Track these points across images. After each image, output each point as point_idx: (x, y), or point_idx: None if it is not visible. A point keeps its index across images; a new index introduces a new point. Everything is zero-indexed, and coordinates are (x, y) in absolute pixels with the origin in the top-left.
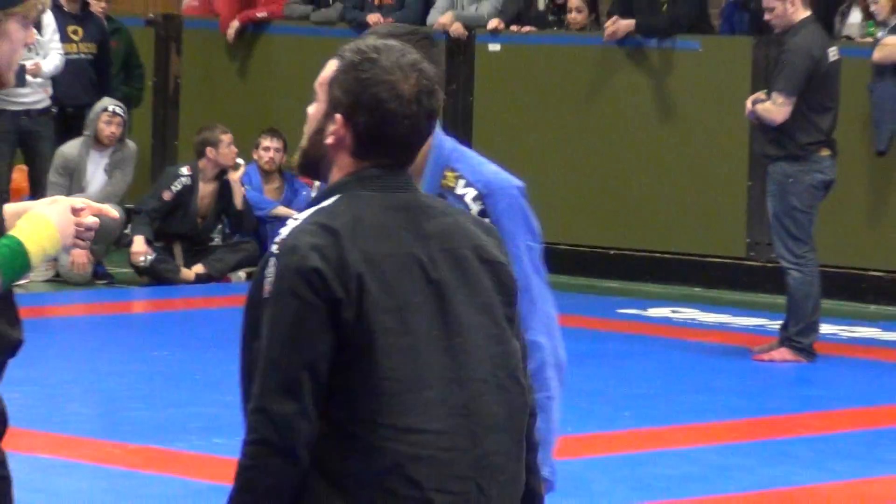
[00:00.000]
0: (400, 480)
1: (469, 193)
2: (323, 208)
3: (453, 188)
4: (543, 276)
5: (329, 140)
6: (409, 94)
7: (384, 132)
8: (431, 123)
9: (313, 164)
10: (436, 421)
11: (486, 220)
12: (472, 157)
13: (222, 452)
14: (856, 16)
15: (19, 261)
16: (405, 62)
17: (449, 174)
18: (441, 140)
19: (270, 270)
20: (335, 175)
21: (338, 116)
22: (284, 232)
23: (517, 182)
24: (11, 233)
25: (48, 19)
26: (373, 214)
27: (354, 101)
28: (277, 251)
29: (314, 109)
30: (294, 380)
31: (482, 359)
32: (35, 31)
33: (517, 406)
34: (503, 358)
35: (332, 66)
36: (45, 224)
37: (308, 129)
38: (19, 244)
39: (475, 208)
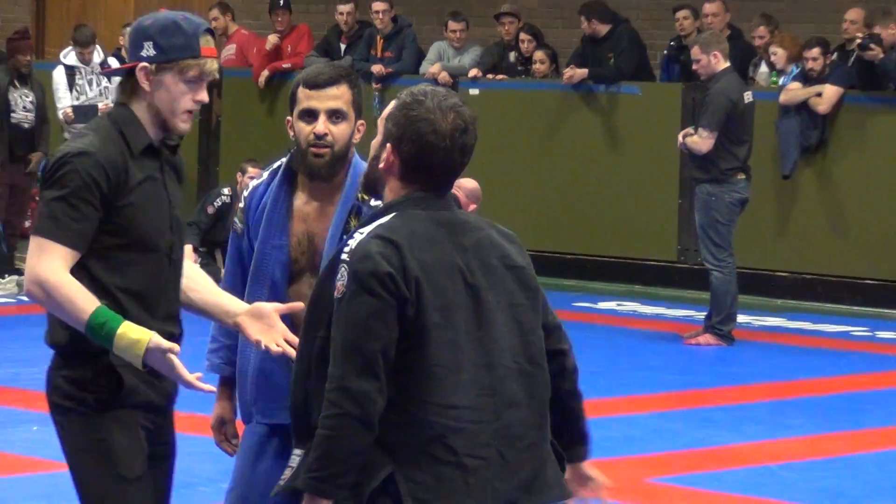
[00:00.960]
0: (441, 448)
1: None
2: (383, 224)
3: (368, 201)
4: None
5: (381, 165)
6: (445, 130)
7: (423, 160)
8: (465, 156)
9: (372, 183)
10: (467, 399)
11: (511, 232)
12: None
13: None
14: (765, 67)
15: (101, 339)
16: (445, 105)
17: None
18: (357, 162)
19: (343, 274)
20: (388, 195)
21: (388, 145)
22: (353, 243)
23: None
24: (126, 324)
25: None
26: (423, 229)
27: (402, 134)
28: (348, 259)
29: (375, 140)
30: (373, 362)
31: (504, 348)
32: (106, 79)
33: (538, 385)
34: (522, 347)
35: (391, 106)
36: (141, 345)
37: (369, 156)
38: (113, 334)
39: None
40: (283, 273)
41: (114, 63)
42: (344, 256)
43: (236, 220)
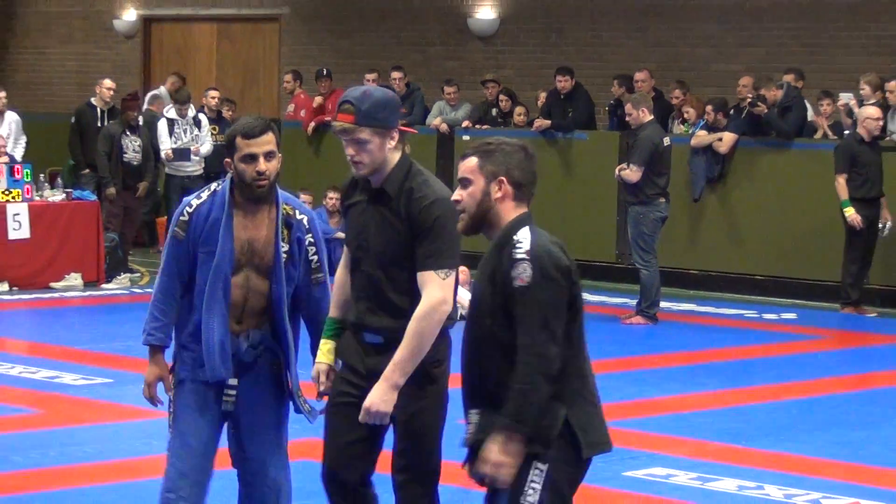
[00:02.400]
0: (588, 393)
1: (304, 219)
2: (536, 233)
3: (293, 215)
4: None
5: (498, 195)
6: (530, 154)
7: (528, 178)
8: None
9: (479, 220)
10: (585, 359)
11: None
12: (295, 199)
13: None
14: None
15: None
16: (513, 140)
17: (286, 207)
18: (279, 191)
19: (525, 268)
20: (501, 216)
21: (501, 178)
22: (527, 245)
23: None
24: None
25: (205, 121)
26: (549, 236)
27: (508, 166)
28: (529, 257)
29: (470, 189)
30: (557, 334)
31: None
32: (196, 128)
33: None
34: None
35: (470, 161)
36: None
37: (470, 203)
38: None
39: (307, 226)
40: (230, 268)
41: (202, 118)
42: (521, 256)
43: (178, 229)
